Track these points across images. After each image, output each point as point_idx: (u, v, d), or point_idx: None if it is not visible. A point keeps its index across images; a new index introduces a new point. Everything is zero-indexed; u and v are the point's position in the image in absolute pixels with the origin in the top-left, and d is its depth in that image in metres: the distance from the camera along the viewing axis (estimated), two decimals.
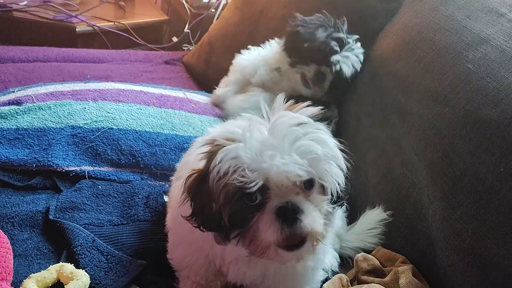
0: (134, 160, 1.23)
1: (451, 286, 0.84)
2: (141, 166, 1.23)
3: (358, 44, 1.27)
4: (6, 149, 1.20)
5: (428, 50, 1.04)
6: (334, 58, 1.24)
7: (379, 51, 1.24)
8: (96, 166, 1.22)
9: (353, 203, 1.00)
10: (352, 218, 1.06)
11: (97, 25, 2.15)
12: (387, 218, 1.01)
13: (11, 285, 0.82)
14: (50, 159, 1.19)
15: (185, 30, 2.21)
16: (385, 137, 1.09)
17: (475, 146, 0.84)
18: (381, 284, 0.83)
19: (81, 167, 1.20)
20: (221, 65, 1.60)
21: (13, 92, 1.39)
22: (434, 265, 0.88)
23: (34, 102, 1.31)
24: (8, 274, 0.82)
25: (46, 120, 1.27)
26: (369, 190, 1.11)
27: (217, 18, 2.00)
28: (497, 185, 0.78)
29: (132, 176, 1.22)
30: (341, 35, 1.25)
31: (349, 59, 1.25)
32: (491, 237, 0.77)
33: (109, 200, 1.12)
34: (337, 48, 1.23)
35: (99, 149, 1.23)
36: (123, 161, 1.23)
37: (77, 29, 2.12)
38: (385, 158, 1.07)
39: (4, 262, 0.81)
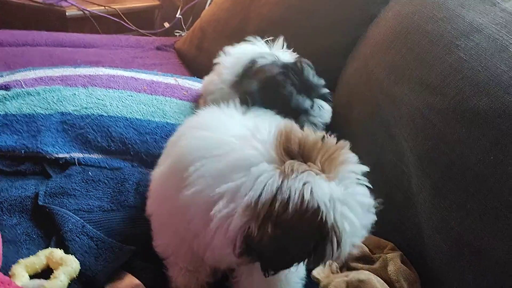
0: (124, 148, 1.22)
1: (439, 273, 0.85)
2: (132, 153, 1.22)
3: (325, 90, 1.21)
4: None
5: (420, 39, 1.04)
6: (301, 118, 1.16)
7: (371, 39, 1.24)
8: (86, 153, 1.21)
9: None
10: None
11: (88, 9, 2.12)
12: (377, 206, 1.01)
13: (0, 271, 0.82)
14: (39, 145, 1.18)
15: (177, 15, 2.20)
16: (376, 125, 1.09)
17: (465, 135, 0.84)
18: (370, 271, 0.84)
19: (71, 154, 1.20)
20: (213, 51, 1.58)
21: (1, 76, 1.37)
22: (422, 252, 0.89)
23: (23, 87, 1.29)
24: None
25: (35, 106, 1.26)
26: None
27: (209, 3, 1.98)
28: (486, 174, 0.79)
29: (122, 163, 1.21)
30: (310, 83, 1.18)
31: (316, 118, 1.18)
32: (479, 225, 0.78)
33: (99, 186, 1.11)
34: (307, 107, 1.17)
35: (89, 136, 1.22)
36: (113, 148, 1.22)
37: (67, 13, 2.09)
38: (376, 147, 1.08)
39: None
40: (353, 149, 1.15)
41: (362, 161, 1.11)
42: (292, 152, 0.66)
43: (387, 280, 0.83)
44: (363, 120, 1.14)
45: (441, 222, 0.84)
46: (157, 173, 0.87)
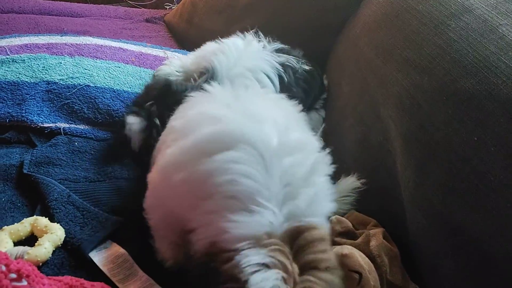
0: (111, 120, 1.21)
1: (419, 248, 0.87)
2: (118, 126, 1.21)
3: None
4: None
5: (411, 19, 1.04)
6: None
7: (362, 19, 1.23)
8: (72, 123, 1.20)
9: None
10: None
11: None
12: (361, 186, 1.03)
13: None
14: (24, 114, 1.16)
15: None
16: (364, 104, 1.09)
17: (450, 117, 0.85)
18: (353, 246, 0.86)
19: (57, 124, 1.18)
20: (204, 26, 1.57)
21: None
22: (404, 229, 0.91)
23: (8, 54, 1.27)
24: None
25: (20, 73, 1.23)
26: (345, 157, 1.12)
27: None
28: (469, 155, 0.80)
29: (109, 135, 1.21)
30: None
31: None
32: (459, 203, 0.80)
33: (85, 157, 1.11)
34: None
35: (75, 107, 1.21)
36: (100, 120, 1.21)
37: None
38: (363, 126, 1.09)
39: None
40: (340, 127, 1.17)
41: (349, 139, 1.13)
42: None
43: (369, 255, 0.84)
44: (352, 99, 1.15)
45: (423, 200, 0.85)
46: (163, 151, 0.84)
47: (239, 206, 0.66)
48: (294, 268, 0.63)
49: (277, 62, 1.19)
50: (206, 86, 0.92)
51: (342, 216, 0.95)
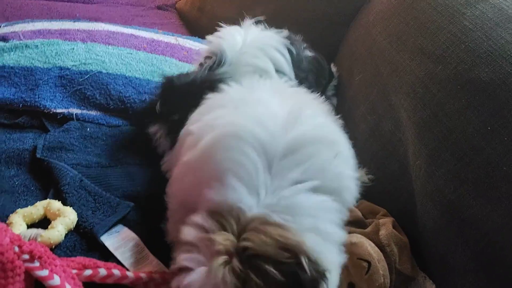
0: (123, 106, 1.22)
1: (428, 239, 0.87)
2: (130, 112, 1.22)
3: None
4: None
5: (426, 7, 1.03)
6: None
7: (376, 7, 1.22)
8: (84, 109, 1.21)
9: None
10: None
11: None
12: (368, 182, 1.02)
13: None
14: (37, 99, 1.17)
15: None
16: (375, 93, 1.09)
17: (464, 106, 0.84)
18: (362, 235, 0.86)
19: (69, 110, 1.19)
20: (215, 14, 1.56)
21: None
22: (414, 219, 0.91)
23: (21, 40, 1.28)
24: None
25: (33, 59, 1.24)
26: (356, 146, 1.11)
27: None
28: (482, 144, 0.79)
29: (120, 122, 1.21)
30: None
31: None
32: (472, 194, 0.79)
33: (97, 143, 1.12)
34: None
35: (88, 93, 1.22)
36: (111, 106, 1.22)
37: None
38: (374, 115, 1.08)
39: None
40: (351, 116, 1.17)
41: (360, 129, 1.13)
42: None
43: (378, 244, 0.84)
44: (363, 87, 1.14)
45: (435, 190, 0.85)
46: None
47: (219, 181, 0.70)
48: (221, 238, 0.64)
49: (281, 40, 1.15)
50: (222, 86, 0.94)
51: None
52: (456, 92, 0.86)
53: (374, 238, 0.85)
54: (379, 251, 0.83)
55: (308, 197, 0.71)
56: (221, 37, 1.12)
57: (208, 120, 0.84)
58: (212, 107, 0.90)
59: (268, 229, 0.65)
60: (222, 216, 0.67)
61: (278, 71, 1.09)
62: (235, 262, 0.62)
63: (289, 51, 1.12)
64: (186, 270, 0.64)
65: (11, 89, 1.18)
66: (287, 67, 1.10)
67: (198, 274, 0.62)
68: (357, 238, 0.83)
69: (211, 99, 0.92)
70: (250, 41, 1.09)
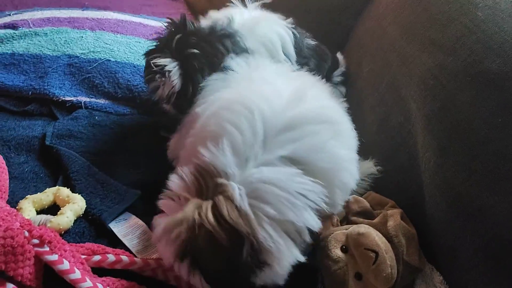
0: (131, 95, 1.22)
1: (436, 231, 0.87)
2: (138, 101, 1.22)
3: None
4: (1, 74, 1.18)
5: None
6: None
7: None
8: (92, 97, 1.21)
9: None
10: None
11: None
12: (377, 174, 1.02)
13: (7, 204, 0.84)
14: (46, 87, 1.18)
15: None
16: (385, 85, 1.08)
17: (474, 97, 0.84)
18: (369, 225, 0.86)
19: (78, 98, 1.20)
20: (224, 4, 1.55)
21: (9, 15, 1.36)
22: (423, 211, 0.90)
23: (30, 27, 1.28)
24: (4, 192, 0.83)
25: (42, 46, 1.25)
26: (365, 137, 1.11)
27: None
28: (491, 136, 0.79)
29: (128, 110, 1.22)
30: None
31: None
32: (480, 185, 0.79)
33: (105, 131, 1.12)
34: None
35: (96, 81, 1.22)
36: (120, 95, 1.22)
37: None
38: (383, 106, 1.08)
39: (0, 181, 0.82)
40: (360, 108, 1.16)
41: (369, 120, 1.12)
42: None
43: (386, 235, 0.84)
44: (372, 79, 1.13)
45: (443, 182, 0.85)
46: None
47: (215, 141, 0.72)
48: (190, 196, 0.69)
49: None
50: (228, 63, 0.94)
51: (360, 196, 0.95)
52: (467, 83, 0.85)
53: (382, 229, 0.85)
54: (386, 242, 0.83)
55: (288, 180, 0.70)
56: (226, 14, 1.11)
57: (213, 99, 0.85)
58: (218, 87, 0.90)
59: (228, 210, 0.67)
60: (203, 177, 0.69)
61: (283, 48, 1.08)
62: (192, 231, 0.66)
63: (293, 34, 1.13)
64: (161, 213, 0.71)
65: (20, 77, 1.18)
66: (291, 47, 1.10)
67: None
68: (365, 228, 0.83)
69: (216, 80, 0.92)
70: (256, 16, 1.09)
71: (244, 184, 0.68)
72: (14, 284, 0.67)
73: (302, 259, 0.71)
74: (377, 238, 0.81)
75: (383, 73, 1.10)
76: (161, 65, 0.97)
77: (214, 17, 1.11)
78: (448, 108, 0.88)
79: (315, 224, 0.72)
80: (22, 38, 1.24)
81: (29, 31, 1.26)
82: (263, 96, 0.77)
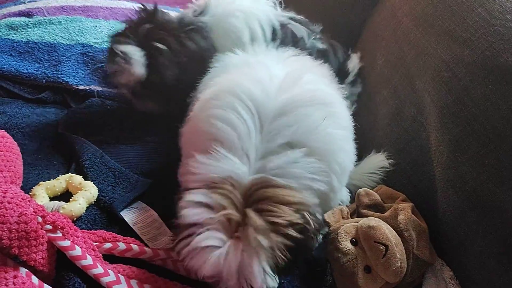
0: None
1: (448, 226, 0.86)
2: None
3: None
4: (16, 61, 1.19)
5: None
6: None
7: None
8: (105, 87, 1.22)
9: (360, 142, 1.00)
10: (358, 155, 1.06)
11: None
12: (388, 167, 1.01)
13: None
14: (60, 76, 1.19)
15: None
16: (399, 77, 1.07)
17: (491, 91, 0.82)
18: (380, 219, 0.85)
19: (91, 87, 1.21)
20: None
21: (24, 3, 1.37)
22: (434, 205, 0.90)
23: (45, 16, 1.29)
24: (18, 178, 0.84)
25: (56, 35, 1.25)
26: (377, 130, 1.11)
27: None
28: (508, 132, 0.78)
29: None
30: None
31: None
32: (495, 181, 0.78)
33: (117, 120, 1.13)
34: None
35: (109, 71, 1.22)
36: None
37: None
38: (397, 99, 1.06)
39: (14, 167, 0.83)
40: (373, 100, 1.15)
41: (381, 112, 1.11)
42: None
43: (396, 228, 0.84)
44: (386, 70, 1.12)
45: (457, 176, 0.84)
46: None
47: (211, 149, 0.71)
48: (234, 213, 0.66)
49: (278, 21, 1.11)
50: (228, 55, 0.95)
51: (371, 190, 0.94)
52: (483, 77, 0.84)
53: (392, 222, 0.85)
54: (397, 235, 0.82)
55: (294, 162, 0.72)
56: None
57: (212, 84, 0.85)
58: (217, 73, 0.90)
59: (274, 191, 0.67)
60: (221, 188, 0.67)
61: (253, 41, 1.07)
62: (263, 233, 0.64)
63: (286, 34, 1.09)
64: (207, 250, 0.64)
65: (34, 65, 1.19)
66: (262, 41, 1.07)
67: (226, 249, 0.64)
68: (375, 221, 0.82)
69: (217, 67, 0.92)
70: (237, 6, 1.08)
71: (261, 171, 0.69)
72: (27, 268, 0.68)
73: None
74: (388, 232, 0.81)
75: (397, 65, 1.09)
76: (124, 51, 0.97)
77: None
78: (463, 101, 0.86)
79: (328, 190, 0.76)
80: (36, 26, 1.25)
81: (44, 19, 1.27)
82: (255, 80, 0.77)
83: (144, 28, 1.00)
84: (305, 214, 0.68)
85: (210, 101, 0.77)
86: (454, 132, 0.87)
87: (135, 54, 0.97)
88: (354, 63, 1.26)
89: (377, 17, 1.25)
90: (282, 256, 0.65)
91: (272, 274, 0.65)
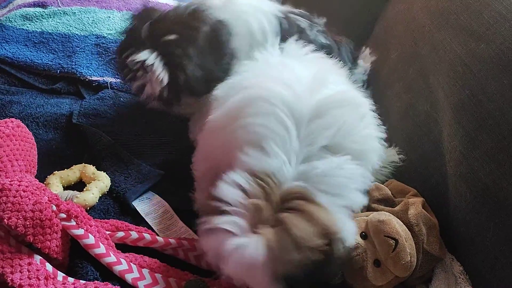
0: None
1: (459, 221, 0.85)
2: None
3: None
4: (31, 52, 1.21)
5: None
6: None
7: None
8: (118, 78, 1.23)
9: None
10: None
11: None
12: (399, 162, 1.00)
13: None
14: (74, 66, 1.20)
15: None
16: (412, 71, 1.06)
17: (506, 87, 0.81)
18: (390, 213, 0.85)
19: (104, 78, 1.21)
20: None
21: None
22: (446, 200, 0.89)
23: (59, 7, 1.30)
24: (33, 167, 0.86)
25: (70, 26, 1.27)
26: (389, 125, 1.10)
27: None
28: None
29: None
30: None
31: None
32: (507, 178, 0.77)
33: (130, 111, 1.14)
34: None
35: None
36: None
37: None
38: (410, 93, 1.06)
39: (29, 156, 0.84)
40: (385, 94, 1.14)
41: (394, 107, 1.10)
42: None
43: (406, 223, 0.83)
44: (400, 65, 1.11)
45: (469, 172, 0.83)
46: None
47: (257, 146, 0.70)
48: (266, 208, 0.64)
49: (281, 12, 1.03)
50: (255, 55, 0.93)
51: (381, 184, 0.94)
52: (498, 72, 0.83)
53: (402, 217, 0.85)
54: (407, 229, 0.82)
55: (339, 169, 0.71)
56: None
57: (233, 82, 0.85)
58: (237, 73, 0.90)
59: (311, 211, 0.65)
60: (263, 181, 0.66)
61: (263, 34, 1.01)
62: (285, 241, 0.61)
63: (291, 24, 1.04)
64: (224, 233, 0.63)
65: (49, 55, 1.21)
66: (271, 34, 1.02)
67: (245, 241, 0.61)
68: (385, 215, 0.82)
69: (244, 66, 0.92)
70: None
71: (303, 177, 0.68)
72: (41, 256, 0.69)
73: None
74: (398, 226, 0.81)
75: (411, 60, 1.08)
76: (139, 60, 0.86)
77: None
78: (477, 97, 0.86)
79: (364, 201, 0.77)
80: (51, 17, 1.26)
81: (58, 10, 1.28)
82: (284, 84, 0.76)
83: (145, 29, 0.91)
84: (335, 241, 0.66)
85: (243, 110, 0.75)
86: (467, 127, 0.86)
87: (151, 58, 0.88)
88: (361, 69, 1.22)
89: (392, 10, 1.24)
90: (294, 272, 0.63)
91: (277, 283, 0.63)
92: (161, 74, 0.88)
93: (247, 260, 0.61)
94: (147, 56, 0.87)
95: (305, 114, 0.73)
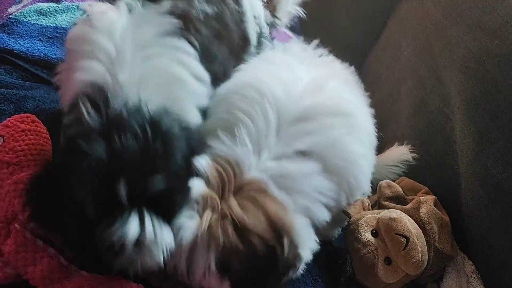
0: None
1: (471, 219, 0.85)
2: None
3: None
4: (45, 46, 1.21)
5: None
6: None
7: None
8: None
9: (383, 132, 0.99)
10: (380, 147, 1.05)
11: None
12: (411, 161, 0.99)
13: None
14: None
15: None
16: (425, 67, 1.05)
17: None
18: (402, 211, 0.85)
19: None
20: None
21: None
22: (458, 198, 0.89)
23: (73, 2, 1.31)
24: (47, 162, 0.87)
25: None
26: (401, 121, 1.10)
27: None
28: None
29: None
30: None
31: None
32: None
33: None
34: None
35: None
36: None
37: None
38: (422, 90, 1.05)
39: (44, 151, 0.85)
40: (397, 90, 1.14)
41: (406, 103, 1.10)
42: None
43: (418, 221, 0.83)
44: (412, 61, 1.11)
45: (482, 169, 0.83)
46: None
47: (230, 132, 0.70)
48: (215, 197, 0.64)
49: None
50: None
51: (393, 182, 0.94)
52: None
53: (414, 215, 0.84)
54: (418, 228, 0.82)
55: (306, 177, 0.68)
56: None
57: (235, 76, 0.83)
58: (239, 71, 0.89)
59: (264, 201, 0.64)
60: (224, 169, 0.66)
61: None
62: (228, 226, 0.61)
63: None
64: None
65: (63, 50, 1.21)
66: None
67: (187, 224, 0.62)
68: (397, 213, 0.82)
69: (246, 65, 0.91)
70: None
71: (268, 172, 0.67)
72: (54, 249, 0.70)
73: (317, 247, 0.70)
74: (409, 224, 0.81)
75: (424, 56, 1.07)
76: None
77: None
78: (490, 93, 0.85)
79: (327, 218, 0.71)
80: (65, 12, 1.27)
81: (72, 5, 1.29)
82: (280, 82, 0.74)
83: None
84: (284, 238, 0.62)
85: (232, 94, 0.76)
86: (480, 124, 0.85)
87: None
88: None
89: (405, 6, 1.23)
90: (233, 263, 0.61)
91: (217, 271, 0.61)
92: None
93: (187, 244, 0.61)
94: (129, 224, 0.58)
95: (292, 114, 0.71)
